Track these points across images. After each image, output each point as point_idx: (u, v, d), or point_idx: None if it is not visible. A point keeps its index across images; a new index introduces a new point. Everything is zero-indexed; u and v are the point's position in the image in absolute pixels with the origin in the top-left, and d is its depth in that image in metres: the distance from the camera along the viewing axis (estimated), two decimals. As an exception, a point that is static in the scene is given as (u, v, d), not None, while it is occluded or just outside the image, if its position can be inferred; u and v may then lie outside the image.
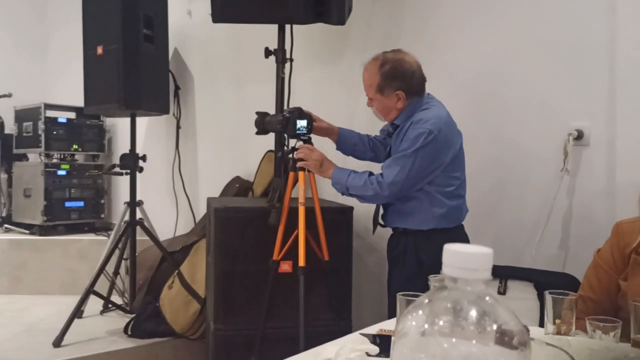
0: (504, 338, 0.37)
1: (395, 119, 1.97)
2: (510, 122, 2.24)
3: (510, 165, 2.23)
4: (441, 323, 0.39)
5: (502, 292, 1.93)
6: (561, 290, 1.04)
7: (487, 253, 0.39)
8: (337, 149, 2.26)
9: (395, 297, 0.94)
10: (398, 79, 1.92)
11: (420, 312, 0.40)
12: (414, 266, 1.93)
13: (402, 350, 0.40)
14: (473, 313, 0.38)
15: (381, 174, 1.89)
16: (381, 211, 2.08)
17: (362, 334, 1.13)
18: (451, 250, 0.40)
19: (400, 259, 1.99)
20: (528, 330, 0.43)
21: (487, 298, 0.39)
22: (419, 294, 0.93)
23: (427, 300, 0.41)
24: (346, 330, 2.14)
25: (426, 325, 0.39)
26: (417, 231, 1.94)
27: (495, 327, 0.38)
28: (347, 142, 2.23)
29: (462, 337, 0.38)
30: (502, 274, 1.95)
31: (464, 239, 2.01)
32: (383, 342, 1.07)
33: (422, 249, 1.93)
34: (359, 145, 2.23)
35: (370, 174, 1.94)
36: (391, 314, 1.92)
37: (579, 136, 2.03)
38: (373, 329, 1.24)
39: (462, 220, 2.00)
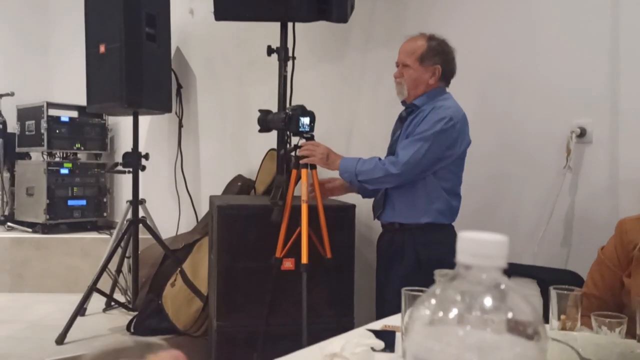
0: (519, 327, 0.37)
1: (417, 99, 2.00)
2: (513, 119, 2.24)
3: (513, 162, 2.24)
4: (455, 311, 0.39)
5: (505, 289, 1.93)
6: (566, 286, 1.04)
7: (502, 240, 0.39)
8: (363, 196, 2.21)
9: (391, 295, 0.94)
10: (441, 55, 1.99)
11: (434, 300, 0.40)
12: (413, 263, 1.93)
13: (416, 339, 0.40)
14: (488, 301, 0.38)
15: (395, 155, 1.91)
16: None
17: (367, 329, 1.13)
18: (466, 237, 0.40)
19: (398, 256, 2.00)
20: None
21: (502, 286, 0.39)
22: (423, 289, 0.93)
23: (440, 289, 0.42)
24: (348, 326, 2.14)
25: (440, 313, 0.39)
26: (414, 227, 1.96)
27: (510, 315, 0.38)
28: None
29: (476, 326, 0.38)
30: (505, 271, 1.95)
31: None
32: (387, 337, 1.07)
33: (420, 245, 1.94)
34: None
35: (379, 158, 1.96)
36: (386, 313, 1.92)
37: (582, 134, 2.03)
38: (377, 325, 1.25)
39: (455, 219, 2.02)
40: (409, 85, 2.01)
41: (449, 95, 2.03)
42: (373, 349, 0.97)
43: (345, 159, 2.02)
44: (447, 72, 2.02)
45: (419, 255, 1.94)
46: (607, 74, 1.98)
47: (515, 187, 2.23)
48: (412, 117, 2.00)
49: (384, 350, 1.01)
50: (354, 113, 2.84)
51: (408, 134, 1.96)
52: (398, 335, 1.10)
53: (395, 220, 2.01)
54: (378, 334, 1.07)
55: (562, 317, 1.02)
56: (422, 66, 1.98)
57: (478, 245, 0.39)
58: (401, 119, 2.08)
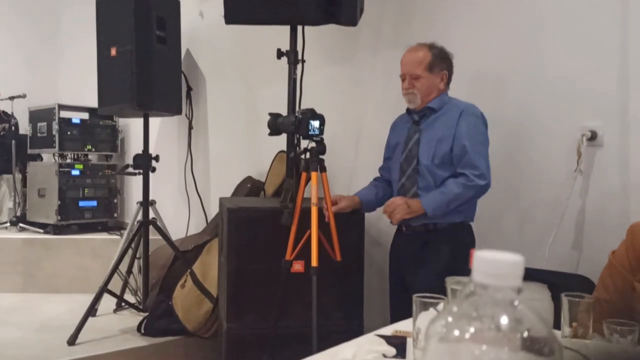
0: (534, 345, 0.38)
1: (431, 102, 2.06)
2: (523, 123, 2.23)
3: (524, 165, 2.23)
4: (471, 329, 0.39)
5: (515, 293, 1.95)
6: (577, 293, 1.04)
7: (518, 260, 0.40)
8: (365, 211, 2.25)
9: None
10: (445, 61, 2.08)
11: (450, 318, 0.41)
12: (448, 261, 1.95)
13: (432, 357, 0.40)
14: (504, 320, 0.39)
15: (473, 167, 1.94)
16: None
17: (378, 335, 1.13)
18: (482, 257, 0.40)
19: (433, 256, 2.00)
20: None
21: (518, 305, 0.39)
22: (436, 295, 0.94)
23: (456, 307, 0.42)
24: (358, 330, 2.15)
25: (456, 332, 0.40)
26: (448, 226, 1.99)
27: (526, 334, 0.38)
28: (370, 199, 2.21)
29: (492, 344, 0.38)
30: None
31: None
32: (398, 343, 1.07)
33: (455, 243, 1.97)
34: (379, 192, 2.23)
35: (454, 177, 1.97)
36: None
37: (593, 137, 2.02)
38: (388, 330, 1.25)
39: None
40: (422, 94, 2.05)
41: (454, 98, 2.11)
42: (384, 356, 0.98)
43: (424, 198, 1.99)
44: (450, 75, 2.10)
45: (454, 253, 1.96)
46: (617, 77, 1.97)
47: (525, 191, 2.23)
48: (430, 120, 2.05)
49: (395, 356, 1.01)
50: (363, 115, 2.85)
51: (442, 137, 1.99)
52: (409, 341, 1.10)
53: (430, 221, 2.01)
54: (389, 339, 1.07)
55: (574, 324, 1.02)
56: (432, 74, 2.04)
57: (494, 265, 0.40)
58: (415, 123, 2.09)
